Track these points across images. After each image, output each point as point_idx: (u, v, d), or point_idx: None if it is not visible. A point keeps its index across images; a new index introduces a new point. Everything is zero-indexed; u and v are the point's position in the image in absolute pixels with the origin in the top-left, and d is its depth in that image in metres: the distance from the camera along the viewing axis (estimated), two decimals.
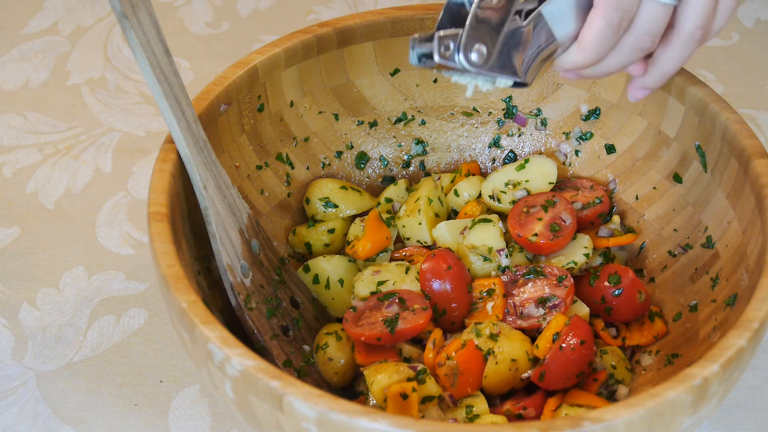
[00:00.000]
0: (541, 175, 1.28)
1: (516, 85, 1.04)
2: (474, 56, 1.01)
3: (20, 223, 1.38)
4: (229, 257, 1.12)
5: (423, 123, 1.34)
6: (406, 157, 1.34)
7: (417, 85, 1.33)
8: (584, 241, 1.22)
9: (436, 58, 1.01)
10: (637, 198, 1.27)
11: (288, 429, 0.94)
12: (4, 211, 1.39)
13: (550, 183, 1.28)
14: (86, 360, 1.23)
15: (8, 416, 1.18)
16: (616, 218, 1.27)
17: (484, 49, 1.01)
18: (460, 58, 1.00)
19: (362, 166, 1.32)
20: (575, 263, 1.20)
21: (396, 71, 1.31)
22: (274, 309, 1.15)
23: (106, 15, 1.69)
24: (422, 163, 1.34)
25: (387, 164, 1.33)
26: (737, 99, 1.54)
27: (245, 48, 1.62)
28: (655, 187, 1.26)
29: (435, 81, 1.33)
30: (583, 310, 1.18)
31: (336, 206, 1.27)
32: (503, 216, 1.26)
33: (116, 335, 1.26)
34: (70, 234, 1.37)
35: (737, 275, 1.12)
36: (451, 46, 1.01)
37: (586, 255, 1.21)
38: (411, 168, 1.34)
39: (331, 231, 1.27)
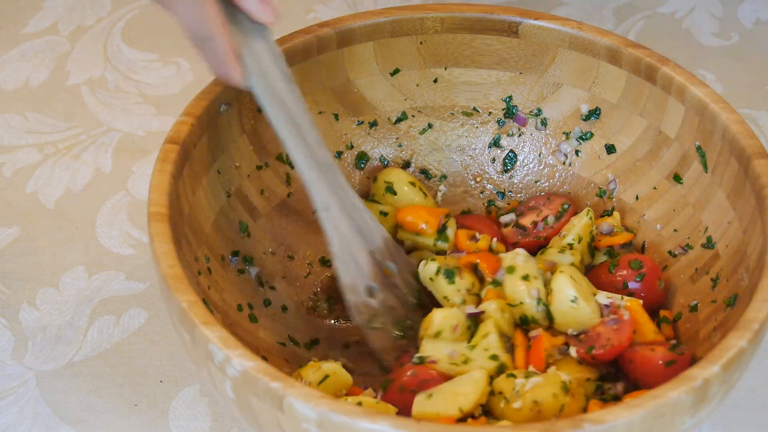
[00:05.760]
0: None
1: None
2: None
3: (20, 223, 1.38)
4: (351, 277, 1.15)
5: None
6: (406, 157, 1.34)
7: (417, 85, 1.33)
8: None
9: None
10: (637, 198, 1.27)
11: (288, 430, 0.95)
12: (4, 211, 1.39)
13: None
14: (86, 360, 1.23)
15: (8, 416, 1.19)
16: (616, 215, 1.27)
17: None
18: None
19: (362, 166, 1.32)
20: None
21: (396, 71, 1.31)
22: (404, 330, 1.18)
23: (106, 15, 1.68)
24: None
25: (387, 164, 1.33)
26: (737, 99, 1.52)
27: None
28: (655, 187, 1.26)
29: (435, 81, 1.33)
30: None
31: (395, 194, 1.28)
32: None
33: (116, 335, 1.26)
34: (70, 234, 1.37)
35: (737, 275, 1.12)
36: None
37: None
38: (411, 168, 1.34)
39: (385, 214, 1.28)
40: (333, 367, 1.14)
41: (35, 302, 1.29)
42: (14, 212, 1.39)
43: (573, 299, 1.13)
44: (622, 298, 1.16)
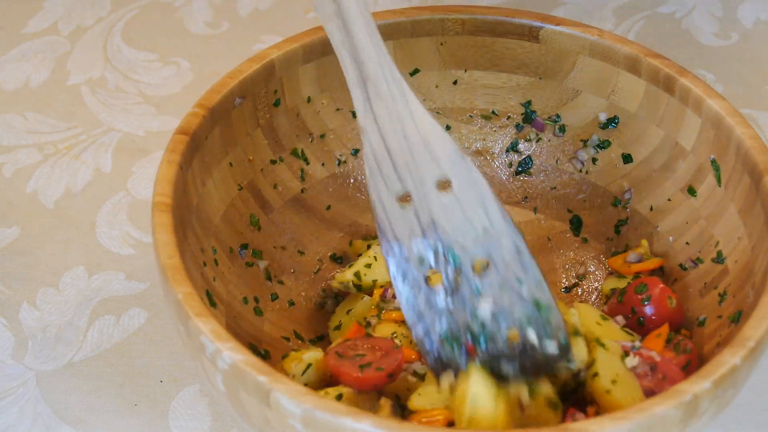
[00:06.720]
0: None
1: None
2: None
3: (20, 223, 1.46)
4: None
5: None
6: None
7: (436, 86, 1.41)
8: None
9: None
10: (651, 209, 1.35)
11: (275, 425, 1.02)
12: (4, 211, 1.48)
13: None
14: (86, 360, 1.31)
15: (8, 416, 1.26)
16: (645, 243, 1.35)
17: None
18: None
19: None
20: None
21: (416, 71, 1.40)
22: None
23: (106, 15, 1.79)
24: None
25: None
26: (737, 99, 1.61)
27: (245, 48, 1.72)
28: (669, 199, 1.33)
29: (455, 83, 1.42)
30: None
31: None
32: None
33: (116, 335, 1.34)
34: (70, 234, 1.46)
35: (744, 292, 1.19)
36: None
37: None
38: None
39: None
40: (314, 356, 1.19)
41: (35, 302, 1.37)
42: (14, 212, 1.48)
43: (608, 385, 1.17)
44: (638, 340, 1.21)
